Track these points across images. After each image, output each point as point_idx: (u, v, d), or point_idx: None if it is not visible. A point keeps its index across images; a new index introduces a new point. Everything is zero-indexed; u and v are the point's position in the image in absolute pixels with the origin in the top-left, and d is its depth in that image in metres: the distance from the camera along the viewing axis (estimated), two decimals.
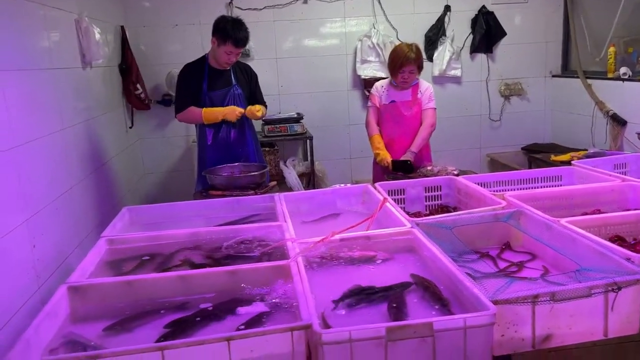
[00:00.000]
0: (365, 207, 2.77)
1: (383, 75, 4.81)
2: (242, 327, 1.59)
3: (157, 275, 1.90)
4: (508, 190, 2.95)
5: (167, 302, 1.79)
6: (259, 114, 3.52)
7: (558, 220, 2.07)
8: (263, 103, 3.68)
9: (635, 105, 4.23)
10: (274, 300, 1.74)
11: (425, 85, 3.76)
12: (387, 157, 3.59)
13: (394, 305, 1.66)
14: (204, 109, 3.43)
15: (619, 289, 1.53)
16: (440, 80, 5.29)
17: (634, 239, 2.13)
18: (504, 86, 5.36)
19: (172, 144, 5.09)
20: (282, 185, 4.65)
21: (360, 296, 1.72)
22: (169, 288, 1.83)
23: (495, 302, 1.51)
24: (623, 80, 4.37)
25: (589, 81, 4.81)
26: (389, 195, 2.88)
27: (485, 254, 2.21)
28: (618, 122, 4.37)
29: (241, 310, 1.70)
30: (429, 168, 3.55)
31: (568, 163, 4.06)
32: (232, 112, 3.42)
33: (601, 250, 1.76)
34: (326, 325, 1.56)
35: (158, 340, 1.54)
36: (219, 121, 3.44)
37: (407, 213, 2.79)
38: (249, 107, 3.50)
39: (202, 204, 2.86)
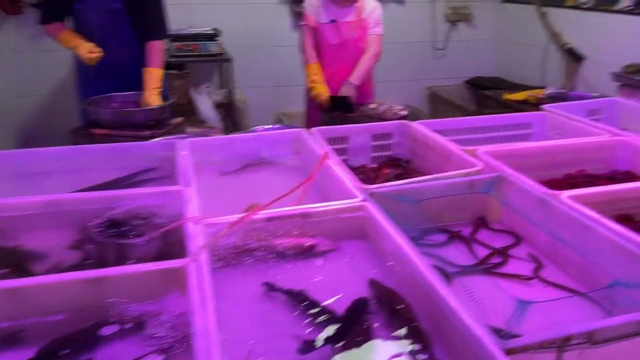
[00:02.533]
0: (299, 159, 2.15)
1: None
2: None
3: None
4: (473, 140, 2.42)
5: None
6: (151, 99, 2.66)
7: (557, 193, 1.55)
8: (158, 27, 2.83)
9: (595, 39, 3.80)
10: (156, 335, 1.11)
11: (372, 3, 3.08)
12: (323, 92, 2.93)
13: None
14: (62, 33, 2.58)
15: None
16: None
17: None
18: (450, 10, 4.75)
19: (55, 59, 4.08)
20: (193, 117, 3.87)
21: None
22: None
23: (510, 352, 0.96)
24: (583, 9, 3.90)
25: (545, 9, 4.30)
26: (328, 143, 2.26)
27: (456, 234, 1.68)
28: (575, 57, 3.93)
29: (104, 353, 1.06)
30: (372, 106, 2.95)
31: (523, 103, 3.63)
32: (84, 51, 2.57)
33: (630, 248, 1.26)
34: None
35: None
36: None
37: (351, 167, 2.20)
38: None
39: (76, 151, 2.09)
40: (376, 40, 3.12)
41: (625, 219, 1.62)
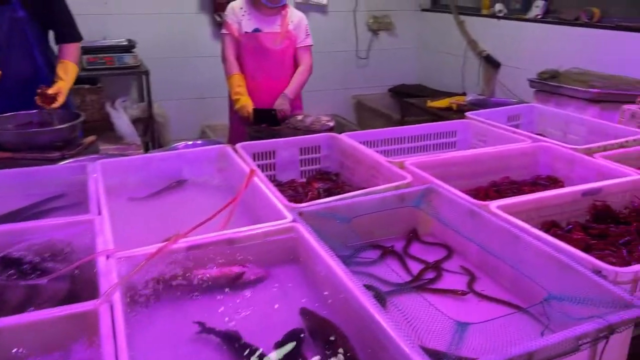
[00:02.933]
0: (224, 178, 2.04)
1: None
2: None
3: None
4: (401, 150, 2.42)
5: None
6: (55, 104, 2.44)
7: (486, 204, 1.54)
8: (72, 28, 2.64)
9: (510, 46, 3.95)
10: None
11: (298, 14, 3.02)
12: (248, 105, 2.84)
13: None
14: None
15: (611, 332, 1.04)
16: (303, 7, 4.52)
17: (568, 223, 1.70)
18: (372, 19, 4.79)
19: None
20: (109, 134, 3.66)
21: None
22: None
23: None
24: (498, 18, 4.05)
25: (462, 17, 4.44)
26: (254, 159, 2.17)
27: (389, 250, 1.64)
28: (492, 64, 4.07)
29: None
30: (299, 118, 2.88)
31: (446, 110, 3.70)
32: None
33: (560, 258, 1.26)
34: None
35: None
36: None
37: (279, 184, 2.13)
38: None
39: None
40: (308, 53, 3.06)
41: (552, 226, 1.65)
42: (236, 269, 1.37)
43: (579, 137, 2.54)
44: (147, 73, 3.70)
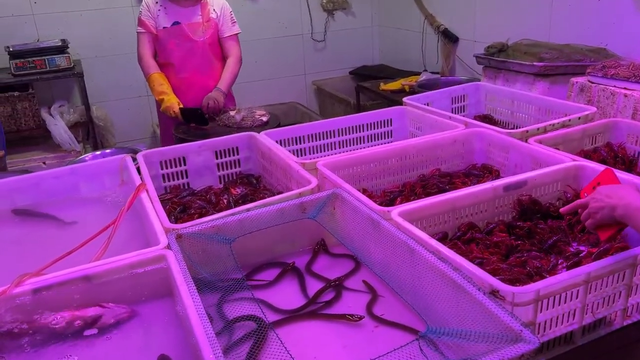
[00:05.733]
0: (124, 193, 1.85)
1: None
2: None
3: None
4: (330, 145, 2.23)
5: None
6: None
7: (389, 211, 1.36)
8: None
9: (466, 19, 3.72)
10: None
11: (220, 1, 2.80)
12: (174, 105, 2.64)
13: None
14: None
15: None
16: None
17: (487, 223, 1.52)
18: None
19: None
20: (50, 142, 3.45)
21: None
22: None
23: None
24: None
25: None
26: (163, 167, 1.98)
27: (290, 267, 1.46)
28: (449, 39, 3.85)
29: None
30: (231, 114, 2.69)
31: (400, 92, 3.49)
32: None
33: (454, 279, 1.07)
34: None
35: None
36: None
37: (193, 193, 1.94)
38: None
39: None
40: (236, 42, 2.84)
41: (469, 228, 1.47)
42: (92, 312, 1.19)
43: (528, 115, 2.35)
44: (80, 74, 3.48)
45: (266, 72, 4.52)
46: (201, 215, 1.75)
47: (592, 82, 2.21)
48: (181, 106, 2.66)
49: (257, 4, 4.34)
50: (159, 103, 2.71)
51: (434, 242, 1.19)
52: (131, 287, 1.25)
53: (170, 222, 1.69)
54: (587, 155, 1.86)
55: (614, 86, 2.11)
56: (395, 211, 1.34)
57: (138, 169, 1.78)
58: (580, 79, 2.28)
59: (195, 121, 2.62)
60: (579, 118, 1.97)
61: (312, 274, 1.44)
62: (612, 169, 1.21)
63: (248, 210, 1.45)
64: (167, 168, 1.98)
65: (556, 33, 2.97)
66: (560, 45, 2.67)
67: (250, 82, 4.25)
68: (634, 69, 2.13)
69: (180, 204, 1.84)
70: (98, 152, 2.17)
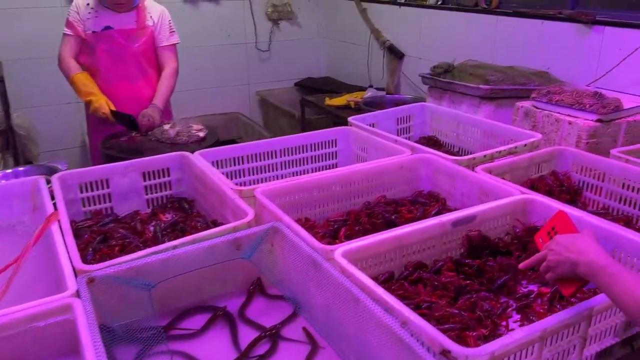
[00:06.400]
0: (36, 221, 1.63)
1: None
2: None
3: None
4: (271, 166, 2.09)
5: None
6: None
7: (331, 250, 1.24)
8: None
9: (412, 36, 3.69)
10: None
11: (158, 8, 2.61)
12: (103, 106, 2.43)
13: None
14: None
15: None
16: None
17: (435, 260, 1.43)
18: (271, 8, 4.42)
19: None
20: None
21: None
22: None
23: None
24: (399, 4, 3.78)
25: (364, 4, 4.14)
26: (83, 190, 1.78)
27: (221, 312, 1.31)
28: (395, 55, 3.81)
29: None
30: (166, 128, 2.50)
31: (345, 109, 3.40)
32: None
33: (402, 337, 0.97)
34: None
35: None
36: None
37: (116, 219, 1.75)
38: None
39: None
40: (173, 53, 2.66)
41: (416, 268, 1.38)
42: None
43: (473, 139, 2.30)
44: (0, 78, 3.17)
45: (208, 80, 4.33)
46: (123, 247, 1.58)
47: (537, 108, 2.19)
48: (112, 108, 2.45)
49: (198, 9, 4.15)
50: (88, 107, 2.49)
51: (381, 291, 1.08)
52: (32, 344, 1.07)
53: (88, 254, 1.53)
54: (533, 184, 1.82)
55: (559, 112, 2.10)
56: (339, 251, 1.22)
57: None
58: (525, 104, 2.26)
59: (126, 125, 2.44)
60: (525, 145, 1.93)
61: (246, 321, 1.29)
62: (565, 211, 1.14)
63: (174, 247, 1.29)
64: (87, 191, 1.78)
65: (501, 54, 2.97)
66: (505, 68, 2.66)
67: (190, 90, 4.07)
68: (577, 96, 2.12)
69: (101, 233, 1.65)
70: (9, 171, 1.93)
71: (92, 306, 1.09)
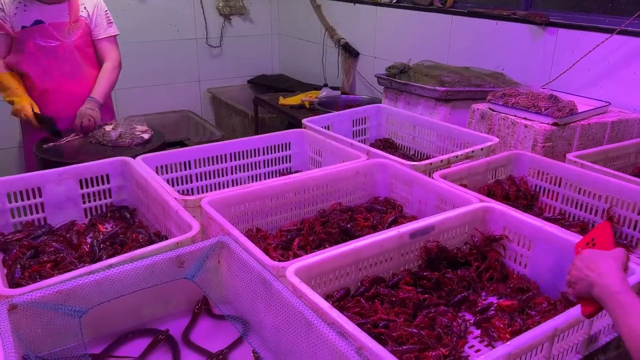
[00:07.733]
0: None
1: None
2: None
3: None
4: (221, 171, 1.98)
5: None
6: None
7: (283, 267, 1.15)
8: None
9: (367, 35, 3.63)
10: None
11: None
12: (25, 107, 2.26)
13: None
14: None
15: None
16: None
17: (393, 274, 1.36)
18: (222, 2, 4.27)
19: None
20: None
21: None
22: None
23: None
24: (354, 2, 3.71)
25: (319, 1, 4.05)
26: (11, 200, 1.62)
27: (163, 337, 1.20)
28: (350, 53, 3.74)
29: None
30: (107, 129, 2.34)
31: (300, 108, 3.31)
32: None
33: (349, 358, 0.89)
34: None
35: None
36: None
37: (50, 231, 1.61)
38: None
39: None
40: (113, 45, 2.49)
41: (374, 283, 1.30)
42: None
43: (429, 141, 2.26)
44: None
45: (156, 77, 4.15)
46: (56, 264, 1.45)
47: (493, 110, 2.16)
48: (36, 110, 2.28)
49: (145, 3, 3.95)
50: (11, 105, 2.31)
51: (335, 314, 1.00)
52: None
53: (15, 271, 1.39)
54: (490, 190, 1.79)
55: (515, 115, 2.07)
56: (292, 268, 1.13)
57: None
58: (481, 106, 2.23)
59: (49, 130, 2.27)
60: (482, 149, 1.89)
61: (190, 345, 1.19)
62: (610, 224, 1.05)
63: (110, 266, 1.17)
64: (16, 201, 1.63)
65: (456, 54, 2.95)
66: (460, 69, 2.63)
67: (137, 87, 3.89)
68: (532, 99, 2.10)
69: (31, 247, 1.51)
70: None
71: (12, 338, 0.96)
